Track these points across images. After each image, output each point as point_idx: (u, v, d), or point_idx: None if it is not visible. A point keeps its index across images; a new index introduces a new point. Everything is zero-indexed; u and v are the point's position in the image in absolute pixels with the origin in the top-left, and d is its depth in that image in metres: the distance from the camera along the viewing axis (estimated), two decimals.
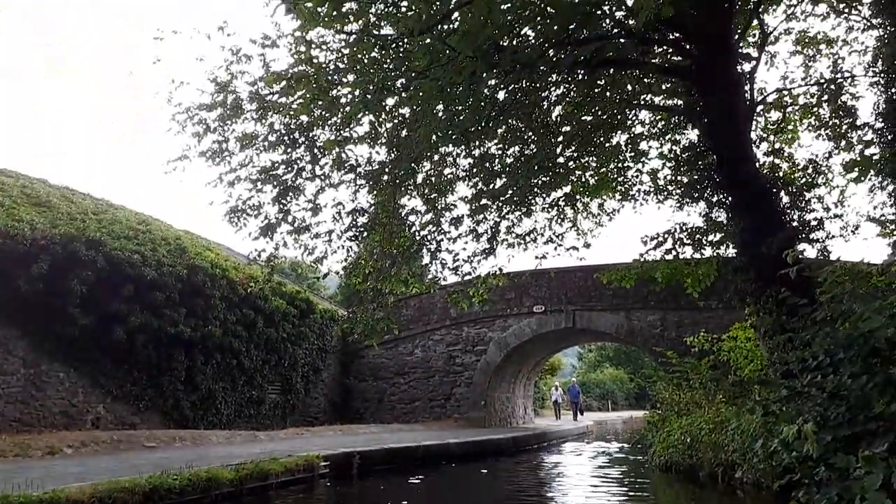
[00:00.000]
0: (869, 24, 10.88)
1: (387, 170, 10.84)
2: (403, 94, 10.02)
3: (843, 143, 11.42)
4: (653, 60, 11.05)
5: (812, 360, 6.58)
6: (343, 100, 9.18)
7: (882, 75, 10.22)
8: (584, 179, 13.37)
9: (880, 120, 10.33)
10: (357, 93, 8.66)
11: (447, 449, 13.30)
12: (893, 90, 9.76)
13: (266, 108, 10.14)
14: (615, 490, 10.18)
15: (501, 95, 10.61)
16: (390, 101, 10.41)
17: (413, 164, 11.13)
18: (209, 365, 15.67)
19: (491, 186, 11.89)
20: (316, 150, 10.34)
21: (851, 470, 4.26)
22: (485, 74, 9.08)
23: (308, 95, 9.08)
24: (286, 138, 10.28)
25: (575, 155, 12.53)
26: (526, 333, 20.31)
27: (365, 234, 11.05)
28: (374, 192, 11.28)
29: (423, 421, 20.00)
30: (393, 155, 10.72)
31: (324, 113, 9.60)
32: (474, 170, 11.99)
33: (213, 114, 10.26)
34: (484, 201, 12.12)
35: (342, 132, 9.88)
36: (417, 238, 12.03)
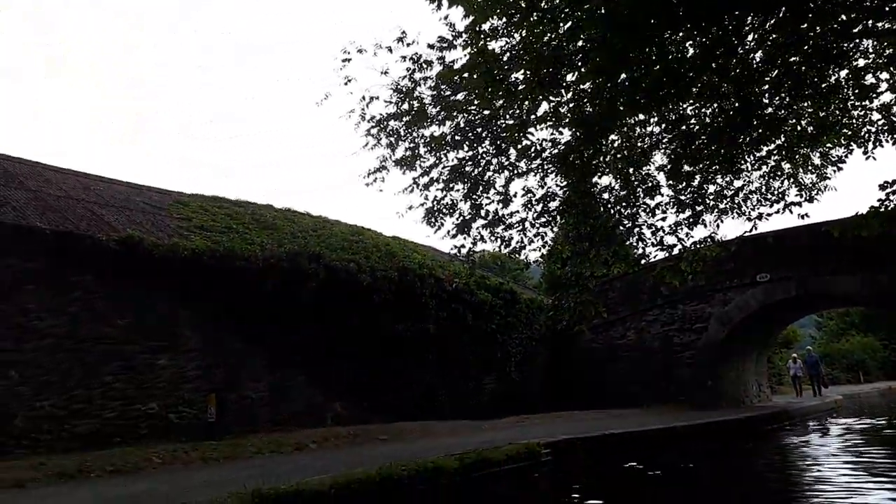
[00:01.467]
0: None
1: (573, 150, 10.55)
2: (581, 67, 9.68)
3: None
4: None
5: None
6: (521, 86, 9.08)
7: None
8: (799, 128, 11.88)
9: None
10: (530, 73, 8.51)
11: (673, 432, 12.63)
12: None
13: (449, 107, 10.38)
14: (874, 469, 8.90)
15: (690, 51, 9.80)
16: (569, 77, 10.12)
17: (601, 140, 10.73)
18: (426, 360, 16.51)
19: (690, 150, 11.04)
20: (500, 142, 10.37)
21: None
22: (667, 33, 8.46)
23: (486, 87, 9.11)
24: (470, 134, 10.45)
25: (786, 101, 11.17)
26: (751, 306, 18.63)
27: (558, 218, 10.83)
28: (563, 175, 11.04)
29: (643, 405, 19.24)
30: (578, 134, 10.41)
31: (503, 103, 9.59)
32: (670, 136, 11.22)
33: (402, 122, 10.74)
34: (685, 168, 11.29)
35: (523, 118, 9.77)
36: (613, 215, 11.56)
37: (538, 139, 10.90)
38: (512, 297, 19.79)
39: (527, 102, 9.37)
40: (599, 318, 18.57)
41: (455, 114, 10.47)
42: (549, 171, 10.97)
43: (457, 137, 10.54)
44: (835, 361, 40.95)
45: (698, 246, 11.19)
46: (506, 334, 19.32)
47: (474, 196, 10.41)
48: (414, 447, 10.32)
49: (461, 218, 10.53)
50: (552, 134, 10.53)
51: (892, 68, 10.84)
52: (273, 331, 13.72)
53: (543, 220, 10.93)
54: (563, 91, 9.82)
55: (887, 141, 11.21)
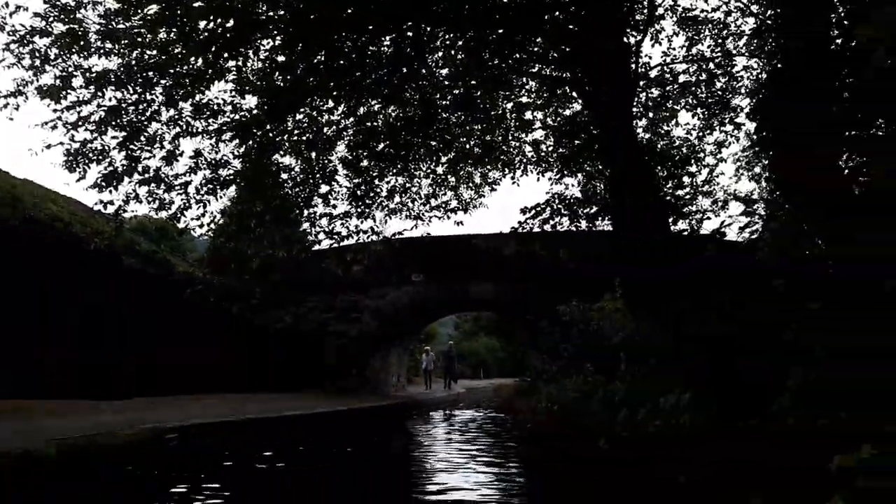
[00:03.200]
0: (748, 9, 11.23)
1: (257, 121, 9.95)
2: (277, 36, 9.15)
3: (717, 122, 11.82)
4: (545, 27, 10.83)
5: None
6: (204, 34, 8.17)
7: (757, 59, 10.59)
8: (468, 147, 13.07)
9: (752, 103, 10.72)
10: (215, 25, 7.71)
11: (318, 416, 12.74)
12: (767, 74, 10.10)
13: (117, 39, 8.88)
14: (479, 452, 10.09)
15: (386, 42, 10.01)
16: (265, 43, 9.51)
17: (287, 116, 10.30)
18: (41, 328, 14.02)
19: (371, 146, 11.28)
20: (174, 92, 9.24)
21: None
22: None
23: (163, 23, 7.99)
24: (139, 77, 9.09)
25: (461, 119, 12.16)
26: (403, 302, 19.97)
27: (227, 187, 10.08)
28: (242, 144, 10.33)
29: (296, 391, 19.23)
30: (265, 105, 9.84)
31: (182, 49, 8.54)
32: (355, 129, 11.32)
33: (50, 41, 8.87)
34: (364, 163, 11.50)
35: (203, 72, 8.83)
36: (290, 197, 11.23)
37: (219, 100, 10.03)
38: (167, 269, 18.03)
39: (210, 56, 8.48)
40: (257, 300, 18.05)
41: (125, 49, 9.02)
42: (225, 136, 10.16)
43: (122, 76, 9.08)
44: (464, 359, 46.64)
45: (366, 239, 11.47)
46: (154, 307, 17.49)
47: (132, 146, 9.08)
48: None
49: (112, 168, 9.10)
50: (233, 98, 9.78)
51: (546, 109, 12.63)
52: None
53: (210, 187, 10.07)
54: (251, 54, 9.17)
55: (533, 171, 12.99)
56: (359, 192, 11.23)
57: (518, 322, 22.37)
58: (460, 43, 11.02)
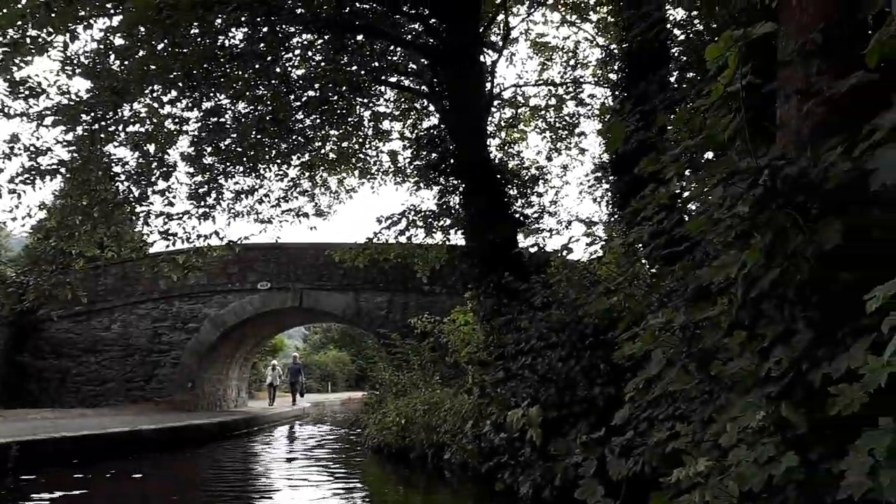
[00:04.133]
0: (594, 41, 11.94)
1: (86, 105, 8.95)
2: (114, 14, 8.34)
3: (563, 147, 12.42)
4: (405, 37, 10.81)
5: (526, 344, 6.75)
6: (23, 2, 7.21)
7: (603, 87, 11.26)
8: (324, 152, 12.72)
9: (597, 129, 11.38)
10: None
11: (139, 436, 11.61)
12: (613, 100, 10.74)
13: None
14: (321, 470, 9.73)
15: (238, 36, 9.46)
16: (99, 24, 8.61)
17: (122, 105, 9.40)
18: None
19: (217, 142, 10.59)
20: None
21: (567, 454, 4.19)
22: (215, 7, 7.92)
23: None
24: None
25: (317, 122, 11.79)
26: (248, 311, 18.98)
27: (48, 178, 8.97)
28: (68, 131, 9.25)
29: (118, 405, 17.58)
30: (97, 90, 8.88)
31: None
32: (200, 123, 10.56)
33: None
34: (207, 160, 10.75)
35: (19, 43, 7.79)
36: (123, 192, 10.21)
37: (42, 79, 8.94)
38: None
39: (29, 27, 7.50)
40: (82, 306, 16.36)
41: None
42: (47, 121, 9.04)
43: None
44: (312, 372, 45.42)
45: (206, 241, 10.70)
46: None
47: None
48: None
49: None
50: (58, 78, 8.75)
51: (403, 120, 12.61)
52: None
53: (27, 177, 8.90)
54: (80, 32, 8.25)
55: (390, 181, 12.89)
56: (201, 192, 10.45)
57: (370, 334, 22.11)
58: (318, 45, 10.71)
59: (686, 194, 2.45)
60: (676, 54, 7.38)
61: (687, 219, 3.01)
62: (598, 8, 11.67)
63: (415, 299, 17.88)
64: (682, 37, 7.38)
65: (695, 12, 6.66)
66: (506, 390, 6.44)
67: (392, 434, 10.64)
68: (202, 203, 10.22)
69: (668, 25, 7.13)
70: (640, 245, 4.41)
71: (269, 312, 19.27)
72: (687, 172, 2.63)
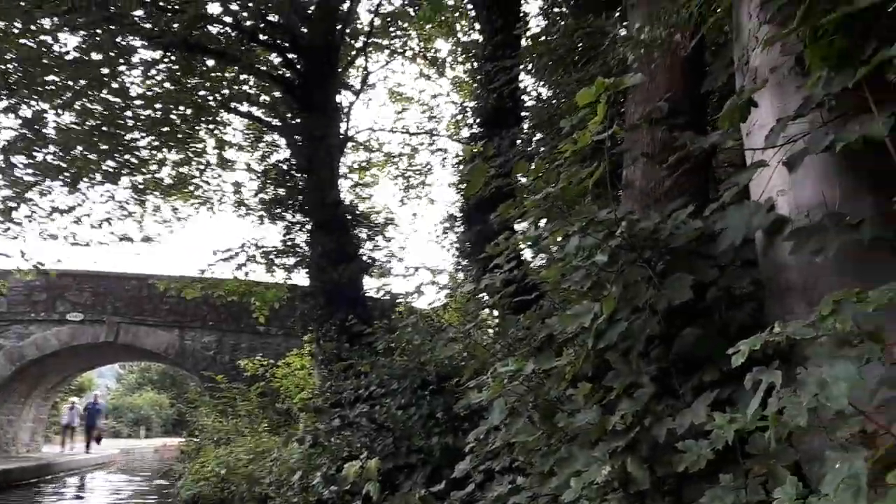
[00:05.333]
0: (449, 95, 12.32)
1: None
2: None
3: (414, 193, 12.54)
4: (261, 68, 10.43)
5: (365, 390, 6.51)
6: None
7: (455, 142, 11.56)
8: (159, 175, 11.81)
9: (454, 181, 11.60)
10: None
11: None
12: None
13: None
14: None
15: (73, 42, 8.62)
16: None
17: None
18: None
19: (33, 153, 9.47)
20: None
21: None
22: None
23: None
24: None
25: (154, 143, 10.95)
26: (52, 345, 16.85)
27: None
28: None
29: None
30: None
31: None
32: (16, 131, 9.42)
33: None
34: (20, 171, 9.57)
35: None
36: None
37: None
38: None
39: None
40: None
41: None
42: None
43: None
44: (122, 415, 41.28)
45: (10, 265, 9.41)
46: None
47: None
48: None
49: None
50: None
51: (251, 151, 12.09)
52: None
53: None
54: None
55: (232, 213, 12.20)
56: (9, 206, 9.23)
57: (194, 375, 20.47)
58: (164, 63, 10.03)
59: (544, 241, 2.44)
60: (527, 116, 7.74)
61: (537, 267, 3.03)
62: (454, 66, 12.11)
63: (247, 340, 16.90)
64: (531, 102, 7.79)
65: (542, 80, 7.06)
66: (340, 439, 6.14)
67: (210, 485, 9.79)
68: (8, 219, 9.01)
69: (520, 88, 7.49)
70: (486, 294, 4.42)
71: (79, 347, 17.27)
72: (542, 222, 2.64)
